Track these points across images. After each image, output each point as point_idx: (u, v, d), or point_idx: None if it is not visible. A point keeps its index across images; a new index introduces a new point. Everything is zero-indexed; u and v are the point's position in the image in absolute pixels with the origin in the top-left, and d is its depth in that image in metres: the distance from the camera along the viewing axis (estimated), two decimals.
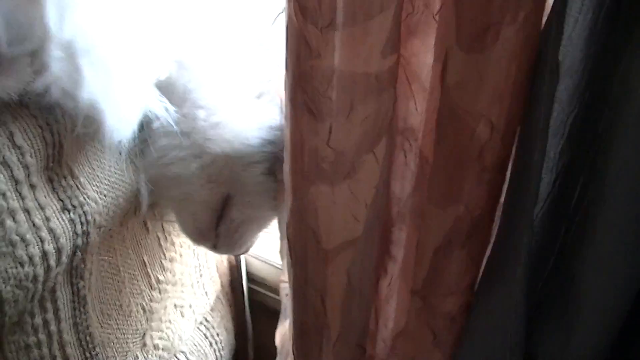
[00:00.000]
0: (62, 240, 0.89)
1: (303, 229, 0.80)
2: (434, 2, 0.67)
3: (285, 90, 0.73)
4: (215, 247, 1.11)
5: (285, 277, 1.03)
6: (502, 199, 0.77)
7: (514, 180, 0.73)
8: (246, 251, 1.18)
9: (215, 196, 1.02)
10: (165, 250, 1.21)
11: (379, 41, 0.65)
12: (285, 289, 1.06)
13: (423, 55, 0.70)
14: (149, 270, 1.18)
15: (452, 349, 0.88)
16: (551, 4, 0.62)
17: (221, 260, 1.42)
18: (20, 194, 0.84)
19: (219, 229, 1.06)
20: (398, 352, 0.93)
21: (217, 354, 1.39)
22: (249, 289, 1.52)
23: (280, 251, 1.14)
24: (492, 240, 0.79)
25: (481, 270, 0.82)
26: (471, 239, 0.78)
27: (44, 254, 0.87)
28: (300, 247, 0.83)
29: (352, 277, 0.84)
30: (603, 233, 0.67)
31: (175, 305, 1.26)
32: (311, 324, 0.90)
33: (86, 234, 0.93)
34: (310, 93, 0.67)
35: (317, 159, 0.72)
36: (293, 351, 0.98)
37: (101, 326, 1.07)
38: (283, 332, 1.16)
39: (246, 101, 0.98)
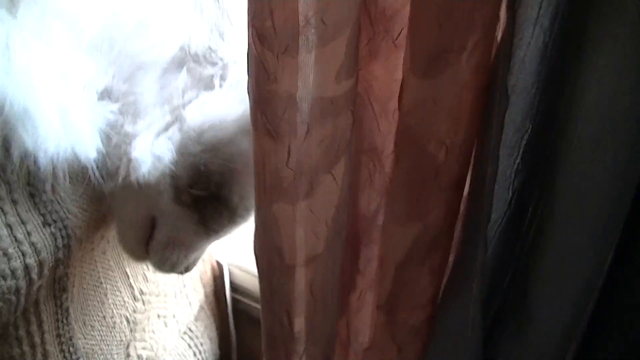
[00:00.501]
0: (44, 254, 0.90)
1: (267, 245, 0.82)
2: (393, 28, 0.70)
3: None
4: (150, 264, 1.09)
5: None
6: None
7: (470, 199, 0.76)
8: (183, 272, 1.13)
9: (139, 216, 1.01)
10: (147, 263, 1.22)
11: (333, 67, 0.67)
12: None
13: (384, 78, 0.73)
14: (132, 281, 1.19)
15: None
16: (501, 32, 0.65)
17: (204, 270, 1.43)
18: (2, 209, 0.86)
19: (149, 247, 1.04)
20: None
21: None
22: (233, 298, 1.53)
23: None
24: (452, 256, 0.83)
25: (442, 285, 0.85)
26: (431, 255, 0.81)
27: (26, 268, 0.88)
28: (265, 261, 0.85)
29: (315, 292, 0.86)
30: (552, 249, 0.70)
31: (158, 315, 1.27)
32: (279, 336, 0.93)
33: (67, 247, 0.94)
34: (269, 116, 0.69)
35: (278, 178, 0.74)
36: None
37: (84, 337, 1.09)
38: None
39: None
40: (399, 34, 0.69)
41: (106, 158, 0.89)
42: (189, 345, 1.37)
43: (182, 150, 0.91)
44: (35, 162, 0.84)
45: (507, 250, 0.77)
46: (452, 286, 0.83)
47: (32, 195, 0.90)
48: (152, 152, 0.90)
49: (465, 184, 0.77)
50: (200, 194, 0.95)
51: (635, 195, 0.68)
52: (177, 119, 0.92)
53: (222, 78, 0.94)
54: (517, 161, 0.72)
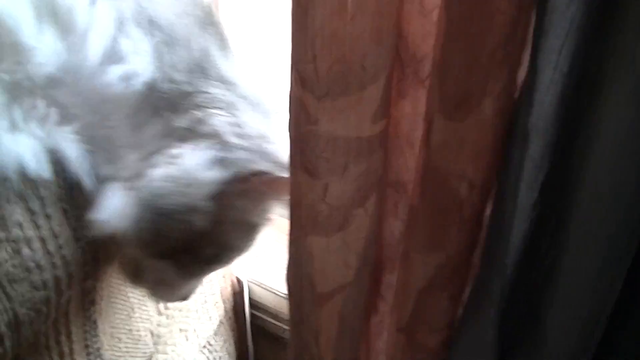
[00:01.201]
0: (73, 266, 0.93)
1: (299, 275, 0.86)
2: (422, 70, 0.73)
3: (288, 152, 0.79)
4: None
5: None
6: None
7: (490, 231, 0.80)
8: (181, 300, 1.12)
9: (127, 259, 1.02)
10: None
11: (370, 109, 0.71)
12: None
13: (412, 117, 0.77)
14: None
15: None
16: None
17: (225, 286, 1.46)
18: (36, 223, 0.88)
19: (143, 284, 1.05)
20: None
21: None
22: (251, 314, 1.55)
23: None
24: (470, 283, 0.86)
25: (460, 310, 0.89)
26: (451, 282, 0.85)
27: (57, 279, 0.92)
28: (297, 290, 0.89)
29: (344, 318, 0.90)
30: (565, 279, 0.75)
31: (180, 329, 1.31)
32: None
33: (96, 261, 0.98)
34: (308, 155, 0.73)
35: (313, 213, 0.78)
36: None
37: (111, 349, 1.13)
38: None
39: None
40: (428, 76, 0.73)
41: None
42: (208, 359, 1.40)
43: (143, 210, 0.89)
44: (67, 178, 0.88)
45: (523, 278, 0.81)
46: (471, 311, 0.87)
47: (64, 211, 0.93)
48: (112, 198, 0.89)
49: (484, 218, 0.81)
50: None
51: None
52: (143, 174, 0.89)
53: (196, 131, 0.89)
54: (535, 196, 0.75)
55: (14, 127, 0.85)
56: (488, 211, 0.82)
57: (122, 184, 0.89)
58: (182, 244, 0.91)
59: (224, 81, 0.90)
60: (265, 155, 0.89)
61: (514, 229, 0.76)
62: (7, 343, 0.88)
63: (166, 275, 0.98)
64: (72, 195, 0.93)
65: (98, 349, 1.10)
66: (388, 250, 0.91)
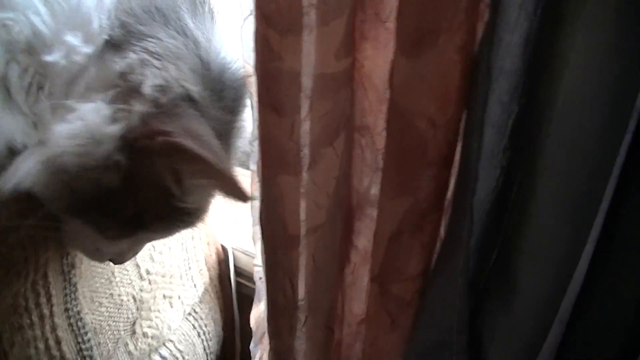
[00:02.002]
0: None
1: (272, 216, 0.87)
2: (383, 11, 0.74)
3: (254, 90, 0.80)
4: None
5: (258, 261, 1.07)
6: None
7: (458, 176, 0.81)
8: (112, 262, 1.09)
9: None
10: (154, 243, 1.26)
11: (333, 45, 0.73)
12: (259, 272, 1.10)
13: (374, 59, 0.78)
14: (138, 261, 1.24)
15: (408, 331, 0.97)
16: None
17: (209, 254, 1.47)
18: None
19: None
20: (361, 336, 1.01)
21: (205, 344, 1.44)
22: (237, 282, 1.56)
23: (253, 236, 1.12)
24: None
25: (433, 259, 0.90)
26: (421, 228, 0.86)
27: (33, 239, 0.95)
28: (270, 232, 0.90)
29: (317, 261, 0.92)
30: (534, 225, 0.76)
31: (164, 295, 1.32)
32: (282, 305, 0.98)
33: None
34: (273, 92, 0.75)
35: (282, 151, 0.79)
36: (268, 332, 1.06)
37: (92, 313, 1.13)
38: (257, 314, 1.21)
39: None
40: (388, 16, 0.74)
41: None
42: (194, 326, 1.42)
43: (45, 165, 0.85)
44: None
45: (494, 226, 0.82)
46: (441, 260, 0.88)
47: None
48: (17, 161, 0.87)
49: (452, 160, 0.82)
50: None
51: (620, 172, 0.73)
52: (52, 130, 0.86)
53: (128, 80, 0.86)
54: (505, 140, 0.76)
55: None
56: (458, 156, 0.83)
57: (34, 146, 0.87)
58: (92, 202, 0.89)
59: (184, 34, 0.89)
60: (179, 119, 0.84)
61: (482, 172, 0.77)
62: None
63: (86, 232, 0.96)
64: None
65: (79, 312, 1.10)
66: (357, 196, 0.92)
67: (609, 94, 0.66)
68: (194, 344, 1.41)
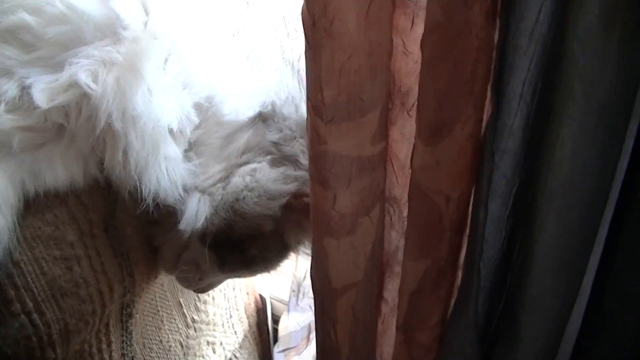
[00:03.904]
0: (114, 281, 1.09)
1: (319, 271, 1.02)
2: (407, 102, 0.90)
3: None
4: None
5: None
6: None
7: (469, 239, 0.97)
8: (197, 292, 1.32)
9: (173, 243, 1.17)
10: (199, 294, 1.40)
11: (369, 133, 0.88)
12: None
13: (400, 141, 0.94)
14: (185, 310, 1.38)
15: None
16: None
17: (249, 303, 1.60)
18: (84, 243, 1.04)
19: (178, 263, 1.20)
20: None
21: None
22: (274, 329, 1.69)
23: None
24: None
25: (449, 310, 1.06)
26: (438, 284, 1.02)
27: (100, 293, 1.07)
28: (318, 285, 1.05)
29: (356, 312, 1.06)
30: (531, 282, 0.90)
31: (208, 342, 1.45)
32: (327, 347, 1.13)
33: (132, 276, 1.14)
34: (320, 169, 0.90)
35: (326, 218, 0.94)
36: None
37: (144, 358, 1.28)
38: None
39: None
40: (412, 107, 0.90)
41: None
42: None
43: (217, 210, 1.08)
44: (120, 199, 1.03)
45: (500, 282, 0.96)
46: (455, 312, 1.04)
47: (106, 231, 1.09)
48: (195, 206, 1.07)
49: (464, 226, 0.98)
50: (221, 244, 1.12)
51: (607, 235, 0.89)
52: (225, 179, 1.08)
53: (281, 150, 1.08)
54: (508, 209, 0.90)
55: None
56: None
57: (200, 193, 1.07)
58: (236, 241, 1.12)
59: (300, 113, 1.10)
60: None
61: (488, 236, 0.91)
62: (58, 350, 1.02)
63: (203, 263, 1.16)
64: (113, 216, 1.09)
65: (133, 358, 1.24)
66: (387, 257, 1.08)
67: (592, 173, 0.81)
68: None
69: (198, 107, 1.03)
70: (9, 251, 0.95)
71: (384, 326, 1.16)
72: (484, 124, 0.88)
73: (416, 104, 0.87)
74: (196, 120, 1.04)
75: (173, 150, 1.02)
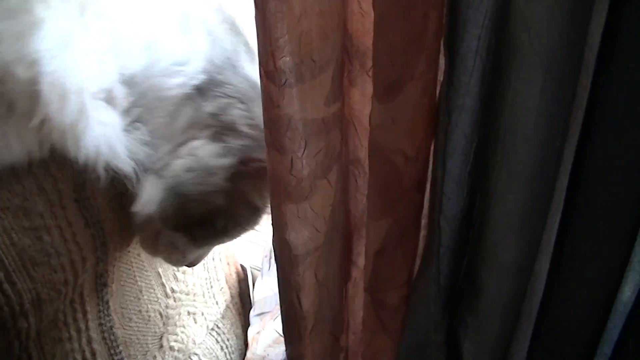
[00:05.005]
0: (86, 251, 1.10)
1: (279, 238, 1.02)
2: (366, 62, 0.90)
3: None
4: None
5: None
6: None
7: (430, 198, 0.98)
8: (189, 266, 1.30)
9: (148, 228, 1.17)
10: None
11: (322, 94, 0.89)
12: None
13: (361, 102, 0.94)
14: (164, 280, 1.39)
15: (398, 334, 1.14)
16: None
17: (230, 273, 1.62)
18: (54, 214, 1.04)
19: (156, 248, 1.20)
20: (362, 342, 1.18)
21: (228, 357, 1.59)
22: None
23: None
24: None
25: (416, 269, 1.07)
26: (402, 244, 1.03)
27: (72, 263, 1.07)
28: (279, 252, 1.06)
29: (319, 277, 1.07)
30: (490, 238, 0.92)
31: (188, 312, 1.47)
32: (292, 316, 1.13)
33: (105, 246, 1.14)
34: (275, 134, 0.90)
35: (284, 184, 0.95)
36: (284, 340, 1.23)
37: (123, 327, 1.29)
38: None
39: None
40: (371, 67, 0.90)
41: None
42: (217, 340, 1.57)
43: (167, 193, 1.07)
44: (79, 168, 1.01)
45: (463, 239, 0.98)
46: (419, 270, 1.05)
47: (76, 201, 1.09)
48: (149, 189, 1.06)
49: (425, 185, 0.99)
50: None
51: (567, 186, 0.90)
52: (170, 161, 1.06)
53: (221, 120, 1.06)
54: (469, 166, 0.92)
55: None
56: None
57: (154, 176, 1.07)
58: (198, 219, 1.12)
59: (247, 79, 1.08)
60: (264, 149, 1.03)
61: (450, 194, 0.93)
62: (31, 319, 1.03)
63: (179, 244, 1.17)
64: (84, 186, 1.09)
65: (111, 327, 1.26)
66: (354, 220, 1.08)
67: (545, 126, 0.82)
68: (217, 357, 1.56)
69: (131, 81, 1.02)
70: None
71: (354, 290, 1.17)
72: (439, 82, 0.89)
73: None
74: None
75: (109, 116, 1.01)
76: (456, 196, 0.94)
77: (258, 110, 0.97)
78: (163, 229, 1.15)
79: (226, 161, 1.07)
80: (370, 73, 0.91)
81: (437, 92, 0.90)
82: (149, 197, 1.06)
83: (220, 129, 1.06)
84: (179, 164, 1.06)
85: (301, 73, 0.85)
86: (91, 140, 0.98)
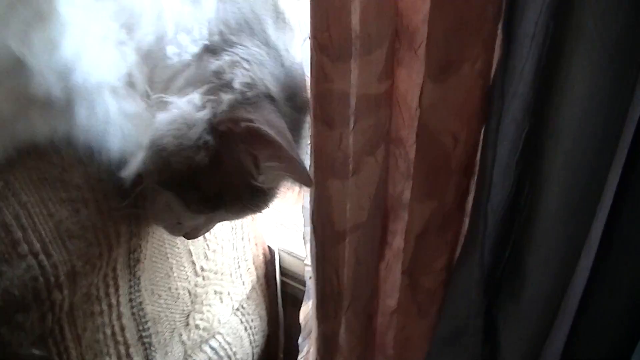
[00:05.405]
0: (121, 225, 1.09)
1: (322, 215, 1.02)
2: (414, 41, 0.90)
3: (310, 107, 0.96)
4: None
5: (308, 261, 1.22)
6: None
7: (477, 183, 0.98)
8: (186, 237, 1.24)
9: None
10: (208, 242, 1.40)
11: (376, 70, 0.89)
12: (309, 272, 1.25)
13: (407, 82, 0.94)
14: (194, 258, 1.38)
15: (434, 319, 1.14)
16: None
17: (257, 254, 1.61)
18: (91, 186, 1.04)
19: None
20: (393, 324, 1.18)
21: (251, 337, 1.59)
22: (282, 281, 1.70)
23: (304, 237, 1.31)
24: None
25: (456, 255, 1.06)
26: (445, 228, 1.03)
27: (107, 237, 1.07)
28: (320, 229, 1.05)
29: (359, 256, 1.07)
30: (539, 227, 0.91)
31: (215, 291, 1.46)
32: (328, 293, 1.13)
33: (139, 219, 1.14)
34: (325, 108, 0.90)
35: (331, 159, 0.95)
36: (316, 318, 1.22)
37: (152, 304, 1.28)
38: (306, 311, 1.38)
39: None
40: (419, 46, 0.89)
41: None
42: (241, 321, 1.57)
43: (149, 149, 1.03)
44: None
45: (507, 227, 0.97)
46: (462, 256, 1.05)
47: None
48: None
49: (472, 170, 0.98)
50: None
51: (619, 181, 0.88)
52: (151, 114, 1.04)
53: (222, 78, 1.03)
54: (518, 154, 0.91)
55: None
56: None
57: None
58: (185, 177, 1.05)
59: (267, 44, 1.06)
60: (261, 110, 1.01)
61: (496, 181, 0.92)
62: (66, 292, 1.02)
63: (174, 205, 1.12)
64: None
65: (140, 303, 1.25)
66: (391, 200, 1.07)
67: (603, 115, 0.81)
68: (241, 337, 1.56)
69: (148, 56, 1.02)
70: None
71: (386, 272, 1.16)
72: (494, 66, 0.88)
73: (423, 43, 0.87)
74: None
75: (131, 106, 1.02)
76: (502, 184, 0.93)
77: (263, 75, 0.98)
78: (155, 187, 1.11)
79: (205, 113, 1.02)
80: (418, 52, 0.90)
81: (492, 76, 0.89)
82: (134, 159, 1.04)
83: (218, 86, 1.03)
84: (162, 117, 1.02)
85: (357, 48, 0.85)
86: (117, 142, 1.00)
